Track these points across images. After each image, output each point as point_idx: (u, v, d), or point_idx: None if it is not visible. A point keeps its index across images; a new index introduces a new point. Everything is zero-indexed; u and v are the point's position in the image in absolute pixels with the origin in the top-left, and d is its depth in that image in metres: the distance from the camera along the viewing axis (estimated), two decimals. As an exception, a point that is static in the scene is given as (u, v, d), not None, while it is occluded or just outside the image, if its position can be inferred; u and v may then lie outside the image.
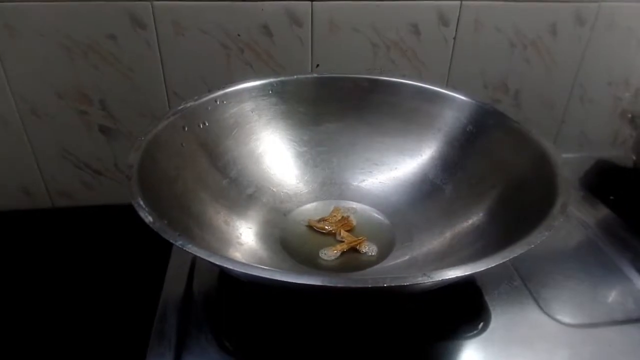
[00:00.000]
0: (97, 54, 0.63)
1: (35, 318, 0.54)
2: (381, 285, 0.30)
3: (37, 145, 0.69)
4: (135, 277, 0.58)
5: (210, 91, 0.52)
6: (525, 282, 0.48)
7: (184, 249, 0.32)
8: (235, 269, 0.31)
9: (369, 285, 0.30)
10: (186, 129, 0.49)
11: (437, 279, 0.30)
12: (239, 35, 0.65)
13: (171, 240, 0.33)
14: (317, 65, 0.68)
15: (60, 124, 0.67)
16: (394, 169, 0.56)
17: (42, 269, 0.61)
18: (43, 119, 0.66)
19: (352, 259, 0.49)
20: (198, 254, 0.32)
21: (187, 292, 0.47)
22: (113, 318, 0.53)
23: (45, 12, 0.59)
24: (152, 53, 0.64)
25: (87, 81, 0.65)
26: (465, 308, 0.46)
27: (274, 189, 0.54)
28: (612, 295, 0.48)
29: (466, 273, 0.32)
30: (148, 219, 0.35)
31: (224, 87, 0.53)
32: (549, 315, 0.45)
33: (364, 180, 0.57)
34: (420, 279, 0.30)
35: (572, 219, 0.57)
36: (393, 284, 0.30)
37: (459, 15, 0.67)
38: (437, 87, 0.55)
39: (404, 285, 0.30)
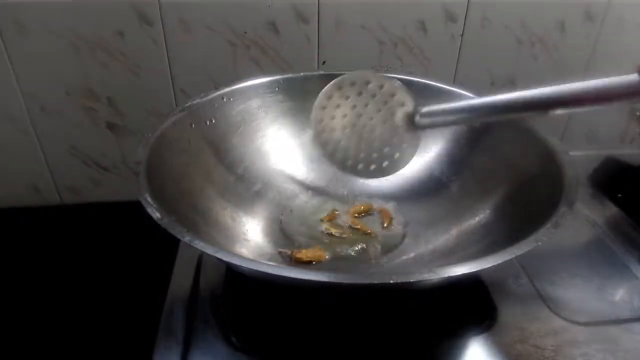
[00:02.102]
0: (104, 51, 0.63)
1: (44, 313, 0.55)
2: (387, 281, 0.30)
3: (45, 142, 0.69)
4: (142, 272, 0.58)
5: (216, 88, 0.53)
6: (532, 280, 0.48)
7: (192, 244, 0.33)
8: (242, 265, 0.31)
9: (375, 282, 0.30)
10: (193, 125, 0.50)
11: (444, 276, 0.30)
12: (245, 32, 0.65)
13: (179, 237, 0.33)
14: (324, 63, 0.68)
15: (68, 121, 0.67)
16: (400, 166, 0.56)
17: (51, 264, 0.62)
18: (51, 116, 0.67)
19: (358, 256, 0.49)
20: (205, 250, 0.32)
21: (194, 287, 0.47)
22: (121, 313, 0.53)
23: (54, 9, 0.59)
24: (159, 50, 0.64)
25: (95, 78, 0.65)
26: (471, 306, 0.46)
27: (280, 186, 0.54)
28: (619, 294, 0.48)
29: (472, 270, 0.32)
30: (156, 215, 0.35)
31: (230, 84, 0.53)
32: (555, 313, 0.45)
33: (371, 177, 0.57)
34: (426, 275, 0.30)
35: (580, 217, 0.57)
36: (399, 281, 0.30)
37: (466, 12, 0.67)
38: (443, 84, 0.55)
39: (410, 282, 0.30)
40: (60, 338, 0.52)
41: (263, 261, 0.33)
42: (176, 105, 0.68)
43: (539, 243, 0.35)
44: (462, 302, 0.46)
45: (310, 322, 0.43)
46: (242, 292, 0.46)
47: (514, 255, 0.33)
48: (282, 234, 0.51)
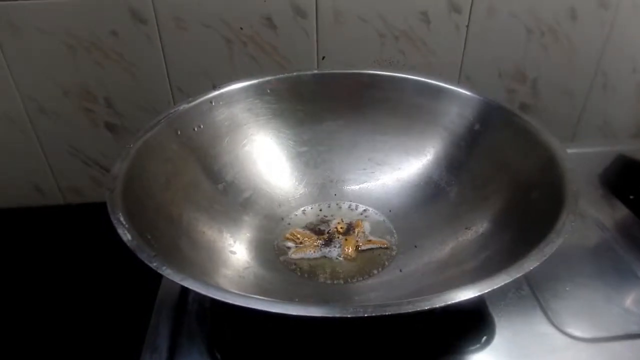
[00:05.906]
0: (99, 50, 0.62)
1: (46, 313, 0.55)
2: (361, 315, 0.28)
3: (46, 143, 0.69)
4: (135, 275, 0.57)
5: (203, 93, 0.51)
6: (534, 291, 0.46)
7: (158, 271, 0.31)
8: (208, 294, 0.30)
9: (349, 316, 0.28)
10: (179, 132, 0.48)
11: (420, 309, 0.28)
12: (241, 28, 0.63)
13: (146, 262, 0.32)
14: (323, 58, 0.66)
15: (67, 122, 0.67)
16: (397, 169, 0.54)
17: (55, 264, 0.62)
18: (50, 117, 0.66)
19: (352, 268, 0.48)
20: (172, 278, 0.31)
21: (181, 300, 0.46)
22: (111, 320, 0.53)
23: (47, 9, 0.59)
24: (154, 49, 0.63)
25: (92, 78, 0.64)
26: (467, 319, 0.44)
27: (271, 192, 0.52)
28: (628, 306, 0.45)
29: (448, 302, 0.30)
30: (127, 236, 0.34)
31: (219, 88, 0.51)
32: (557, 328, 0.42)
33: (366, 182, 0.55)
34: (405, 307, 0.28)
35: (588, 220, 0.54)
36: (374, 314, 0.28)
37: (471, 1, 0.64)
38: (442, 82, 0.52)
39: (385, 315, 0.28)
40: (42, 340, 0.52)
41: (232, 290, 0.31)
42: (174, 104, 0.67)
43: (528, 271, 0.33)
44: (457, 316, 0.43)
45: (297, 339, 0.42)
46: (229, 307, 0.44)
47: (486, 290, 0.31)
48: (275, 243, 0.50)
